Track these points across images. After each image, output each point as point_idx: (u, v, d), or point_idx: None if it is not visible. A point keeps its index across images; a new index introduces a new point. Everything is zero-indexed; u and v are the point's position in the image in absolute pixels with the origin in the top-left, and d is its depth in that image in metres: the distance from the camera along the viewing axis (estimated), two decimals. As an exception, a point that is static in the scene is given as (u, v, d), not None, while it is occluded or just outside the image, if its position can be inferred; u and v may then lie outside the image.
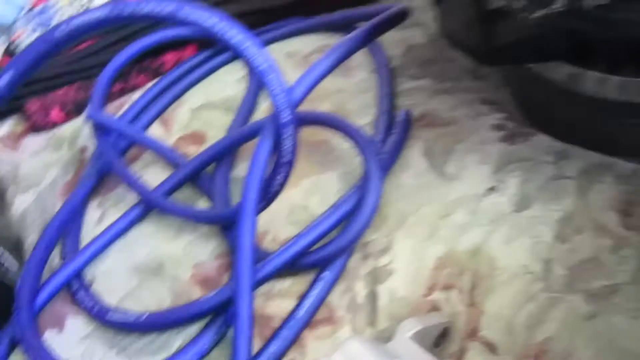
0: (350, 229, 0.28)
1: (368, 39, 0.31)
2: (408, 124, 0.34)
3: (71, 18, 0.23)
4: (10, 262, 0.32)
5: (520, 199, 0.29)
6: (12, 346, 0.30)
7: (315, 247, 0.29)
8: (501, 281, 0.27)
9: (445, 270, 0.28)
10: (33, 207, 0.38)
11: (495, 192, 0.30)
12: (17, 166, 0.42)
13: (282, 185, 0.28)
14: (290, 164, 0.27)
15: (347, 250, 0.29)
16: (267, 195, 0.28)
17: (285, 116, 0.25)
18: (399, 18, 0.32)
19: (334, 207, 0.30)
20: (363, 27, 0.30)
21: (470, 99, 0.36)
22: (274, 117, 0.25)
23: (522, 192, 0.30)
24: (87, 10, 0.24)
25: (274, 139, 0.27)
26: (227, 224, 0.31)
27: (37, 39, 0.24)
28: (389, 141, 0.33)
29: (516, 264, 0.27)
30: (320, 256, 0.29)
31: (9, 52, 0.49)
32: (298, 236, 0.29)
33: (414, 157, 0.33)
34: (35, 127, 0.44)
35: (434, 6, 0.34)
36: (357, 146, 0.31)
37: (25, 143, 0.44)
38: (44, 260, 0.32)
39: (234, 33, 0.24)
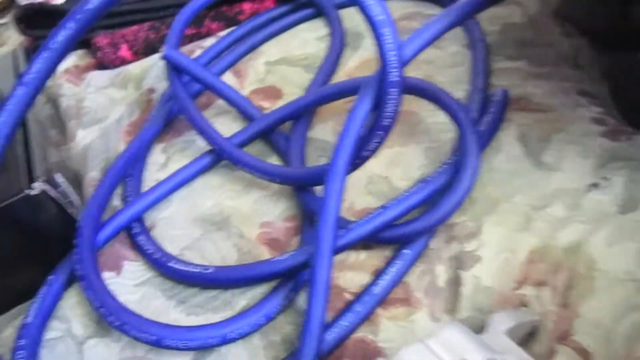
0: (441, 207, 0.26)
1: (480, 8, 0.29)
2: (504, 104, 0.31)
3: None
4: (74, 196, 0.31)
5: (626, 200, 0.27)
6: (69, 282, 0.28)
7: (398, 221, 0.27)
8: (601, 285, 0.24)
9: (539, 265, 0.26)
10: (96, 143, 0.36)
11: (597, 190, 0.27)
12: (80, 100, 0.41)
13: (374, 150, 0.26)
14: (388, 128, 0.25)
15: (433, 230, 0.27)
16: (357, 159, 0.26)
17: (394, 75, 0.23)
18: None
19: (425, 181, 0.27)
20: None
21: (568, 87, 0.34)
22: (381, 74, 0.23)
23: (628, 193, 0.27)
24: None
25: (375, 98, 0.24)
26: (302, 185, 0.29)
27: None
28: (483, 121, 0.30)
29: (619, 268, 0.25)
30: (403, 232, 0.27)
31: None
32: (385, 207, 0.27)
33: (508, 140, 0.31)
34: (103, 63, 0.43)
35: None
36: (455, 120, 0.28)
37: (90, 78, 0.42)
38: (106, 200, 0.31)
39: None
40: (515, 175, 0.29)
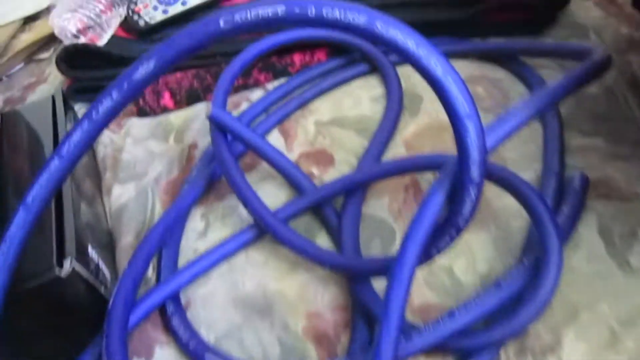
0: (517, 317, 0.23)
1: (565, 94, 0.26)
2: (584, 192, 0.28)
3: (239, 8, 0.19)
4: (105, 271, 0.28)
5: None
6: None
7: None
8: None
9: (629, 395, 0.22)
10: (132, 203, 0.34)
11: (697, 304, 0.24)
12: (118, 150, 0.39)
13: (444, 248, 0.23)
14: (461, 229, 0.22)
15: (505, 342, 0.24)
16: (426, 255, 0.23)
17: (476, 174, 0.20)
18: (603, 68, 0.27)
19: (497, 286, 0.24)
20: (566, 76, 0.25)
21: (653, 171, 0.30)
22: (460, 167, 0.20)
23: None
24: (255, 3, 0.20)
25: (449, 191, 0.22)
26: (357, 275, 0.26)
27: (196, 24, 0.20)
28: (562, 211, 0.27)
29: None
30: (471, 343, 0.23)
31: (128, 22, 0.45)
32: (452, 314, 0.23)
33: (588, 235, 0.27)
34: (144, 110, 0.41)
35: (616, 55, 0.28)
36: (531, 213, 0.25)
37: (129, 126, 0.40)
38: (140, 275, 0.28)
39: (439, 69, 0.19)
40: (598, 278, 0.26)
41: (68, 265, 0.25)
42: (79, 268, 0.25)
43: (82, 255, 0.26)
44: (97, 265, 0.27)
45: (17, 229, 0.23)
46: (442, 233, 0.22)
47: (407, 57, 0.19)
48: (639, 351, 0.23)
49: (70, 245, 0.26)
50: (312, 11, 0.18)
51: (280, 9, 0.19)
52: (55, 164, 0.22)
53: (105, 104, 0.22)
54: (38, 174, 0.23)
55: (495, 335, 0.23)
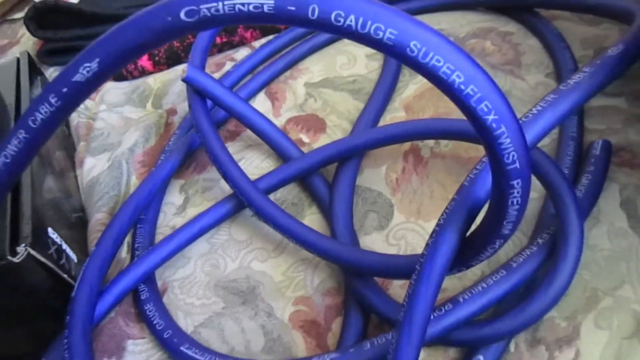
0: (531, 305, 0.20)
1: (626, 67, 0.22)
2: (607, 161, 0.25)
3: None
4: (70, 255, 0.25)
5: None
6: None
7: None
8: None
9: (657, 393, 0.20)
10: (105, 177, 0.31)
11: None
12: (91, 117, 0.35)
13: (487, 258, 0.19)
14: (508, 237, 0.18)
15: (516, 334, 0.21)
16: (462, 266, 0.19)
17: (517, 186, 0.16)
18: None
19: (507, 268, 0.21)
20: (617, 47, 0.21)
21: (682, 133, 0.27)
22: (499, 180, 0.16)
23: None
24: None
25: (463, 230, 0.18)
26: (352, 272, 0.23)
27: (149, 13, 0.14)
28: (581, 183, 0.24)
29: None
30: (479, 335, 0.21)
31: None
32: (457, 302, 0.21)
33: (610, 208, 0.24)
34: (120, 73, 0.37)
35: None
36: (550, 187, 0.22)
37: (104, 91, 0.37)
38: (111, 256, 0.26)
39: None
40: (621, 257, 0.23)
41: (22, 249, 0.22)
42: (35, 253, 0.22)
43: (39, 239, 0.23)
44: (59, 248, 0.24)
45: None
46: (486, 242, 0.18)
47: (447, 90, 0.14)
48: (668, 341, 0.20)
49: (25, 229, 0.23)
50: (314, 12, 0.13)
51: (268, 4, 0.13)
52: None
53: (44, 111, 0.17)
54: None
55: (504, 327, 0.20)
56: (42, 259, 0.22)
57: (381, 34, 0.13)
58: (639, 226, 0.24)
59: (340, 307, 0.24)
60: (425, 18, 0.35)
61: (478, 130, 0.14)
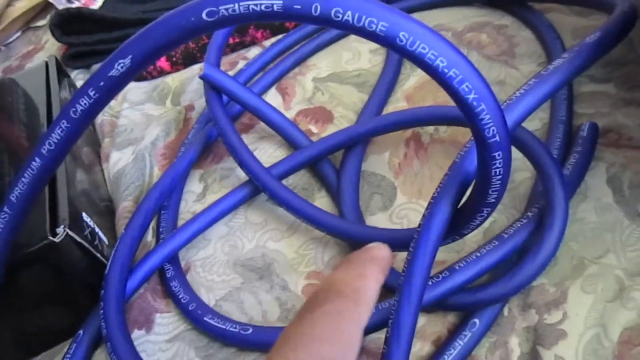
0: (521, 272, 0.22)
1: (601, 54, 0.24)
2: (593, 142, 0.27)
3: (221, 1, 0.16)
4: (102, 237, 0.28)
5: None
6: (97, 340, 0.26)
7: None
8: None
9: (636, 349, 0.21)
10: (130, 168, 0.34)
11: None
12: (115, 115, 0.38)
13: (477, 227, 0.21)
14: (495, 205, 0.20)
15: (508, 297, 0.23)
16: (455, 235, 0.21)
17: (498, 157, 0.18)
18: (633, 22, 0.25)
19: (499, 239, 0.23)
20: (593, 35, 0.23)
21: (666, 116, 0.29)
22: (483, 153, 0.18)
23: None
24: None
25: (454, 201, 0.20)
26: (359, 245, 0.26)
27: (174, 14, 0.17)
28: (569, 162, 0.26)
29: None
30: (473, 300, 0.23)
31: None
32: (453, 270, 0.23)
33: (597, 185, 0.26)
34: (140, 74, 0.40)
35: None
36: (538, 167, 0.24)
37: (126, 90, 0.40)
38: (138, 239, 0.28)
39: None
40: (605, 229, 0.25)
41: (61, 230, 0.24)
42: (72, 233, 0.25)
43: (76, 222, 0.26)
44: (93, 231, 0.27)
45: (3, 228, 0.22)
46: (474, 211, 0.20)
47: (433, 75, 0.16)
48: (647, 303, 0.22)
49: (63, 213, 0.25)
50: (316, 9, 0.15)
51: (277, 4, 0.15)
52: (36, 164, 0.21)
53: (84, 103, 0.20)
54: (20, 173, 0.22)
55: (497, 292, 0.23)
56: (79, 239, 0.25)
57: (374, 26, 0.15)
58: (623, 201, 0.26)
59: (348, 281, 0.26)
60: (425, 15, 0.37)
61: (461, 108, 0.17)
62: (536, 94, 0.21)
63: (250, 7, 0.16)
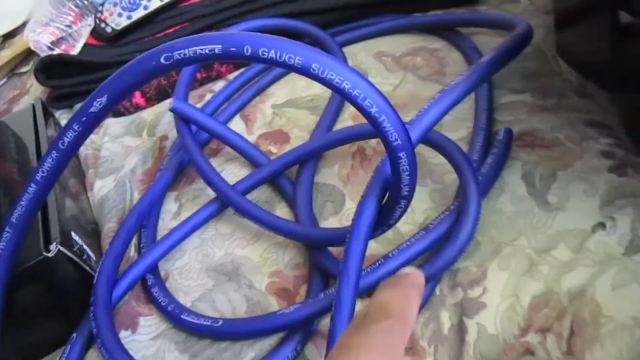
0: (443, 255, 0.27)
1: (496, 69, 0.29)
2: (508, 143, 0.31)
3: (179, 44, 0.20)
4: (90, 253, 0.32)
5: (631, 240, 0.27)
6: (90, 341, 0.30)
7: (402, 270, 0.27)
8: (607, 332, 0.24)
9: (543, 311, 0.26)
10: (112, 194, 0.38)
11: (602, 230, 0.27)
12: (97, 148, 0.42)
13: (399, 218, 0.25)
14: (410, 197, 0.24)
15: (436, 277, 0.27)
16: (383, 226, 0.26)
17: (403, 157, 0.22)
18: (526, 41, 0.30)
19: (426, 229, 0.28)
20: (489, 55, 0.28)
21: (575, 119, 0.33)
22: (390, 154, 0.22)
23: (633, 233, 0.27)
24: (198, 38, 0.21)
25: (379, 198, 0.25)
26: (312, 245, 0.30)
27: (139, 61, 0.21)
28: (487, 162, 0.30)
29: (625, 314, 0.24)
30: (407, 281, 0.27)
31: (97, 31, 0.49)
32: (387, 257, 0.27)
33: (513, 180, 0.31)
34: (118, 111, 0.44)
35: (544, 15, 0.31)
36: (455, 166, 0.28)
37: (106, 126, 0.44)
38: (122, 253, 0.32)
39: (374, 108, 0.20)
40: (519, 217, 0.29)
41: (54, 247, 0.28)
42: (64, 249, 0.28)
43: (66, 240, 0.30)
44: (81, 247, 0.31)
45: (5, 245, 0.26)
46: (394, 205, 0.25)
47: (343, 96, 0.20)
48: (551, 274, 0.26)
49: (54, 232, 0.29)
50: (247, 50, 0.20)
51: (217, 47, 0.20)
52: (32, 189, 0.25)
53: (70, 135, 0.24)
54: (19, 197, 0.26)
55: (426, 273, 0.27)
56: (70, 254, 0.29)
57: (293, 60, 0.20)
58: (534, 192, 0.30)
59: (305, 277, 0.30)
60: (369, 42, 0.42)
61: (368, 120, 0.21)
62: (440, 106, 0.26)
63: (197, 51, 0.20)
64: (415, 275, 0.20)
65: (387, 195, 0.25)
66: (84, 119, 0.23)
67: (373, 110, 0.21)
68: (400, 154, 0.22)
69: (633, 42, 0.26)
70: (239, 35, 0.20)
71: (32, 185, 0.25)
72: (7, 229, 0.26)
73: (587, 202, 0.28)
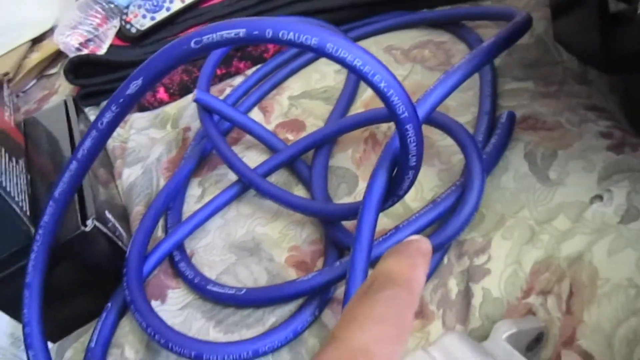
0: (450, 226, 0.29)
1: (495, 54, 0.31)
2: (511, 126, 0.33)
3: (206, 30, 0.23)
4: (121, 230, 0.34)
5: (627, 210, 0.28)
6: (122, 312, 0.32)
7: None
8: (603, 292, 0.26)
9: (543, 275, 0.28)
10: (140, 180, 0.40)
11: (600, 202, 0.29)
12: (124, 141, 0.45)
13: (408, 189, 0.27)
14: (418, 167, 0.26)
15: (443, 247, 0.29)
16: (393, 197, 0.28)
17: (409, 129, 0.24)
18: (525, 28, 0.32)
19: (434, 203, 0.30)
20: (489, 40, 0.30)
21: (575, 104, 0.35)
22: (398, 127, 0.24)
23: (629, 203, 0.29)
24: (224, 24, 0.23)
25: (389, 170, 0.27)
26: (325, 220, 0.32)
27: (171, 45, 0.24)
28: (490, 143, 0.32)
29: (620, 276, 0.26)
30: (416, 250, 0.29)
31: (122, 32, 0.52)
32: (397, 228, 0.29)
33: (516, 159, 0.33)
34: (143, 106, 0.47)
35: (545, 7, 0.33)
36: (460, 144, 0.31)
37: (132, 120, 0.47)
38: (150, 231, 0.34)
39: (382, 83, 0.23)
40: (521, 192, 0.31)
41: (90, 222, 0.31)
42: (99, 225, 0.31)
43: (101, 217, 0.32)
44: (114, 225, 0.33)
45: (49, 218, 0.29)
46: (402, 177, 0.27)
47: (355, 73, 0.22)
48: (551, 242, 0.28)
49: (90, 209, 0.32)
50: (269, 33, 0.22)
51: (242, 31, 0.22)
52: (73, 166, 0.28)
53: (108, 116, 0.27)
54: (61, 174, 0.29)
55: (434, 242, 0.29)
56: (104, 230, 0.31)
57: (309, 41, 0.22)
58: (536, 169, 0.32)
59: (322, 251, 0.33)
60: (379, 38, 0.45)
61: (378, 95, 0.23)
62: (444, 86, 0.28)
63: (224, 35, 0.23)
64: (420, 242, 0.19)
65: (396, 170, 0.27)
66: (121, 100, 0.26)
67: (382, 85, 0.23)
68: (408, 126, 0.24)
69: (622, 29, 0.28)
70: (261, 20, 0.22)
71: (74, 162, 0.28)
72: (50, 203, 0.28)
73: (585, 178, 0.30)
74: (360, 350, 0.15)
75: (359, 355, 0.15)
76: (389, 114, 0.24)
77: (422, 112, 0.27)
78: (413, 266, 0.18)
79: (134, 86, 0.25)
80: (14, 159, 0.35)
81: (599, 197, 0.29)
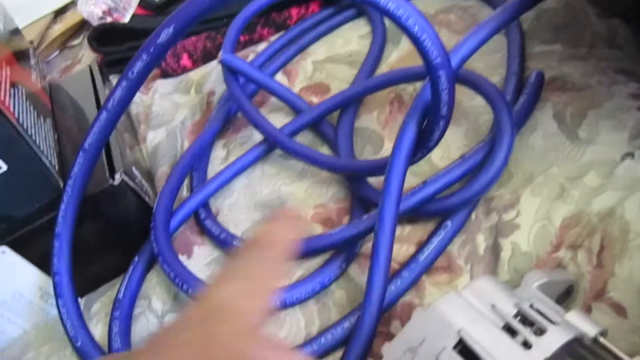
0: (478, 181, 0.28)
1: (525, 8, 0.30)
2: (539, 85, 0.33)
3: None
4: (148, 187, 0.35)
5: (659, 167, 0.28)
6: (149, 266, 0.32)
7: (439, 196, 0.29)
8: (635, 245, 0.26)
9: (574, 230, 0.27)
10: (164, 142, 0.40)
11: (631, 159, 0.29)
12: (148, 106, 0.45)
13: (438, 140, 0.27)
14: (448, 118, 0.26)
15: (472, 202, 0.29)
16: (422, 149, 0.27)
17: (442, 75, 0.24)
18: None
19: (462, 158, 0.30)
20: None
21: (604, 66, 0.35)
22: (430, 73, 0.24)
23: (660, 160, 0.28)
24: None
25: (419, 121, 0.27)
26: (351, 175, 0.32)
27: None
28: (519, 102, 0.32)
29: (652, 229, 0.26)
30: (443, 205, 0.29)
31: (145, 1, 0.52)
32: (425, 182, 0.29)
33: (544, 119, 0.32)
34: (167, 73, 0.47)
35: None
36: (489, 100, 0.30)
37: (156, 86, 0.47)
38: (176, 190, 0.35)
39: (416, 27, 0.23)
40: (550, 150, 0.31)
41: (118, 176, 0.31)
42: (127, 179, 0.31)
43: (128, 172, 0.32)
44: (141, 181, 0.34)
45: (79, 168, 0.29)
46: (433, 127, 0.27)
47: (388, 16, 0.23)
48: (582, 198, 0.28)
49: (118, 165, 0.32)
50: None
51: None
52: (103, 116, 0.28)
53: (138, 65, 0.27)
54: (91, 124, 0.29)
55: (462, 197, 0.29)
56: (132, 184, 0.32)
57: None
58: (566, 129, 0.32)
59: (348, 209, 0.33)
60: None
61: (411, 40, 0.23)
62: (475, 38, 0.28)
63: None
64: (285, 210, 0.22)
65: (425, 122, 0.27)
66: (152, 49, 0.26)
67: (415, 29, 0.23)
68: (440, 72, 0.24)
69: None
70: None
71: (104, 112, 0.28)
72: (79, 154, 0.28)
73: (616, 136, 0.30)
74: (218, 306, 0.17)
75: (217, 310, 0.17)
76: (423, 60, 0.24)
77: (454, 61, 0.27)
78: (279, 229, 0.20)
79: (165, 35, 0.25)
80: (42, 117, 0.35)
81: (630, 155, 0.29)
